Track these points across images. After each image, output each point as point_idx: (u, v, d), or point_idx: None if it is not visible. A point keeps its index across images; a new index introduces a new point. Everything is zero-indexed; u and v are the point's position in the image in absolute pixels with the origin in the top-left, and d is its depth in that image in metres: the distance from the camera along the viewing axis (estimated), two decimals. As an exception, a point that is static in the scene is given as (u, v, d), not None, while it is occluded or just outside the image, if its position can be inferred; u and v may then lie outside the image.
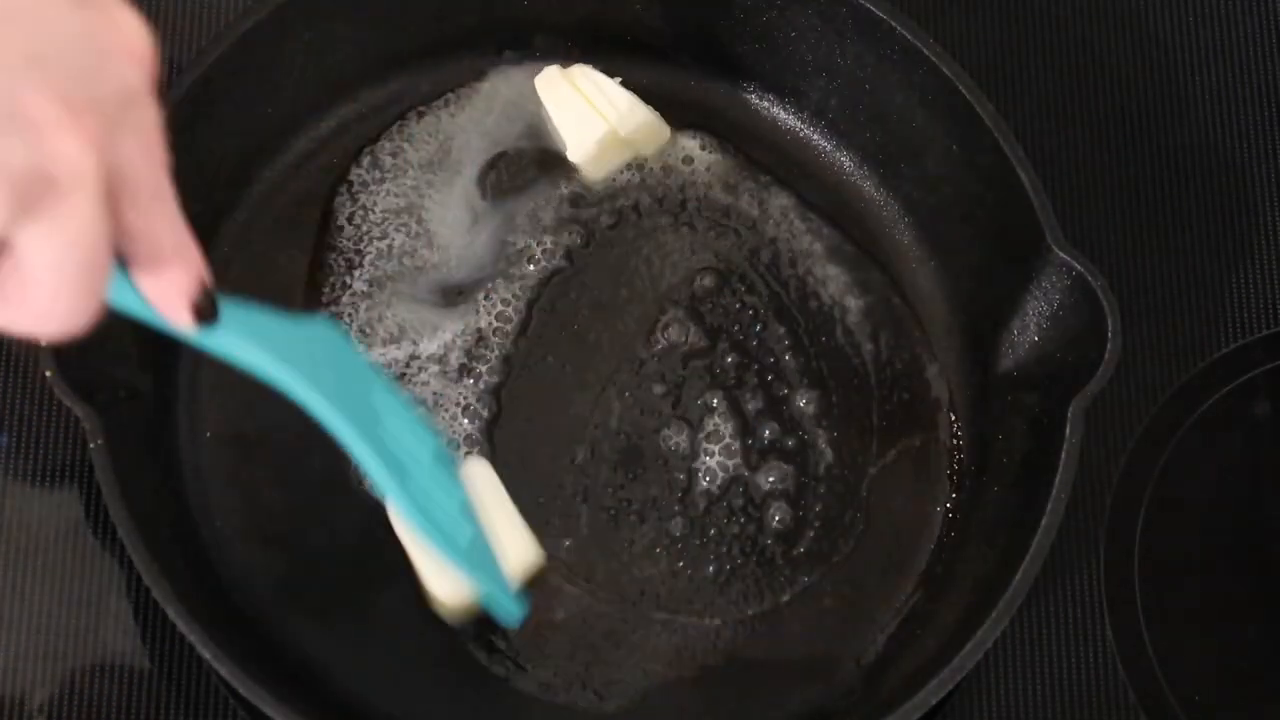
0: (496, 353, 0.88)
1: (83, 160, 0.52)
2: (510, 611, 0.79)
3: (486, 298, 0.89)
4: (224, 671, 0.74)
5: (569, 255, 0.91)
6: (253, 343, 0.65)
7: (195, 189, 0.86)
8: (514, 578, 0.80)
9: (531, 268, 0.90)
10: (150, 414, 0.83)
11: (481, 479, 0.81)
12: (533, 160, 0.92)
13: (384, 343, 0.88)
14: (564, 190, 0.92)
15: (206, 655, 0.74)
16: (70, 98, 0.51)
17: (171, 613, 0.74)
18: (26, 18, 0.51)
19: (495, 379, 0.87)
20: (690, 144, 0.94)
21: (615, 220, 0.92)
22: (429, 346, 0.88)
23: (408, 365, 0.87)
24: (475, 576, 0.77)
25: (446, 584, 0.80)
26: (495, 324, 0.89)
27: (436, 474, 0.76)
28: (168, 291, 0.60)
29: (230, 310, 0.63)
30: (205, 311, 0.61)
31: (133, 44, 0.55)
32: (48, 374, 0.75)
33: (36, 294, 0.54)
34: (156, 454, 0.83)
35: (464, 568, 0.76)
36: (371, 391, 0.73)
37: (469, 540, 0.77)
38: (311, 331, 0.70)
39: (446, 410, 0.86)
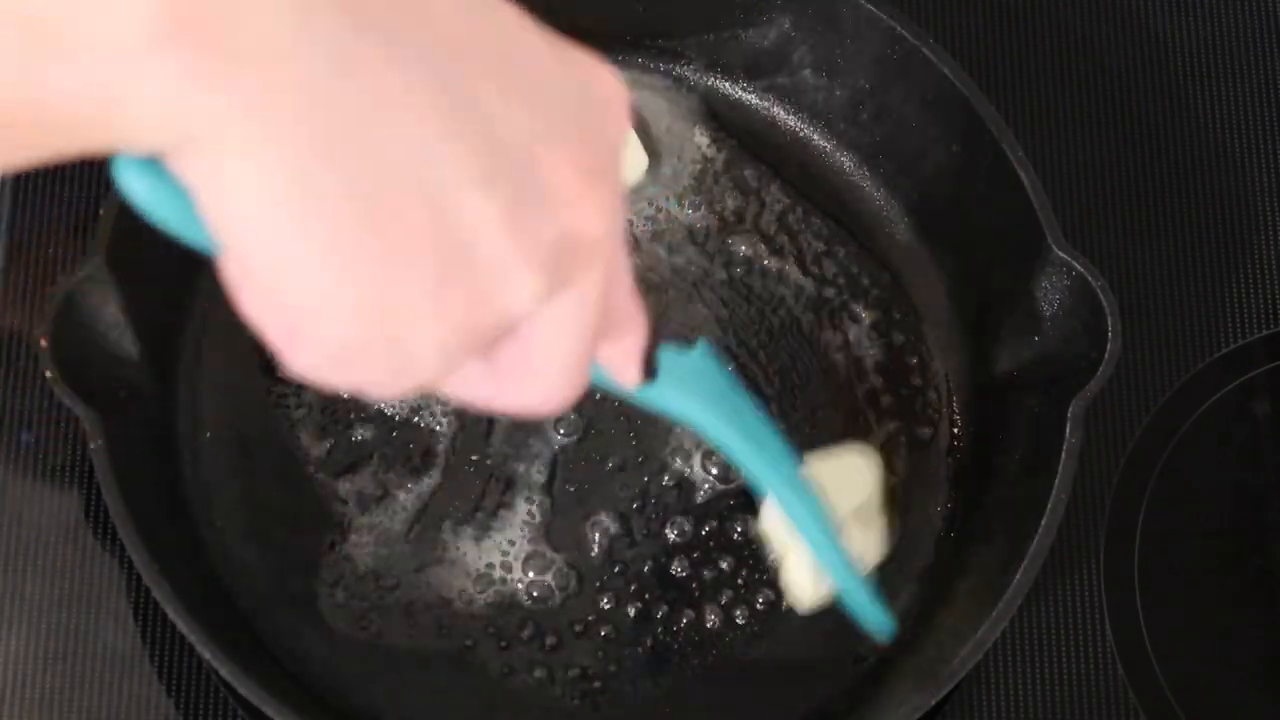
0: None
1: (601, 230, 0.48)
2: (880, 621, 0.75)
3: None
4: (224, 671, 0.74)
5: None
6: (681, 392, 0.65)
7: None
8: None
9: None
10: (150, 414, 0.83)
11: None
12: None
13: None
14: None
15: (206, 655, 0.74)
16: (582, 162, 0.48)
17: (171, 613, 0.74)
18: (531, 77, 0.47)
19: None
20: (685, 143, 0.94)
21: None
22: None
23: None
24: (847, 579, 0.75)
25: (809, 581, 0.79)
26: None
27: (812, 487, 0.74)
28: (624, 357, 0.58)
29: (661, 361, 0.63)
30: (648, 370, 0.60)
31: (616, 97, 0.51)
32: (48, 374, 0.75)
33: (544, 370, 0.50)
34: (156, 454, 0.83)
35: (841, 571, 0.74)
36: (746, 407, 0.71)
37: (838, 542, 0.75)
38: (699, 362, 0.68)
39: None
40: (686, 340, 0.70)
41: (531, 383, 0.51)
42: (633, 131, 0.85)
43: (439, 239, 0.44)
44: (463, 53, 0.45)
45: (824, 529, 0.72)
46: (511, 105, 0.46)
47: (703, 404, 0.66)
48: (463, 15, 0.45)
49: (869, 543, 0.82)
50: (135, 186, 0.45)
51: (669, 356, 0.64)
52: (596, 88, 0.50)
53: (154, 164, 0.44)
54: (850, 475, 0.83)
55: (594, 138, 0.49)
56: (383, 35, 0.43)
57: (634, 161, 0.91)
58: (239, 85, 0.41)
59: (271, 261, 0.44)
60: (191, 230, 0.46)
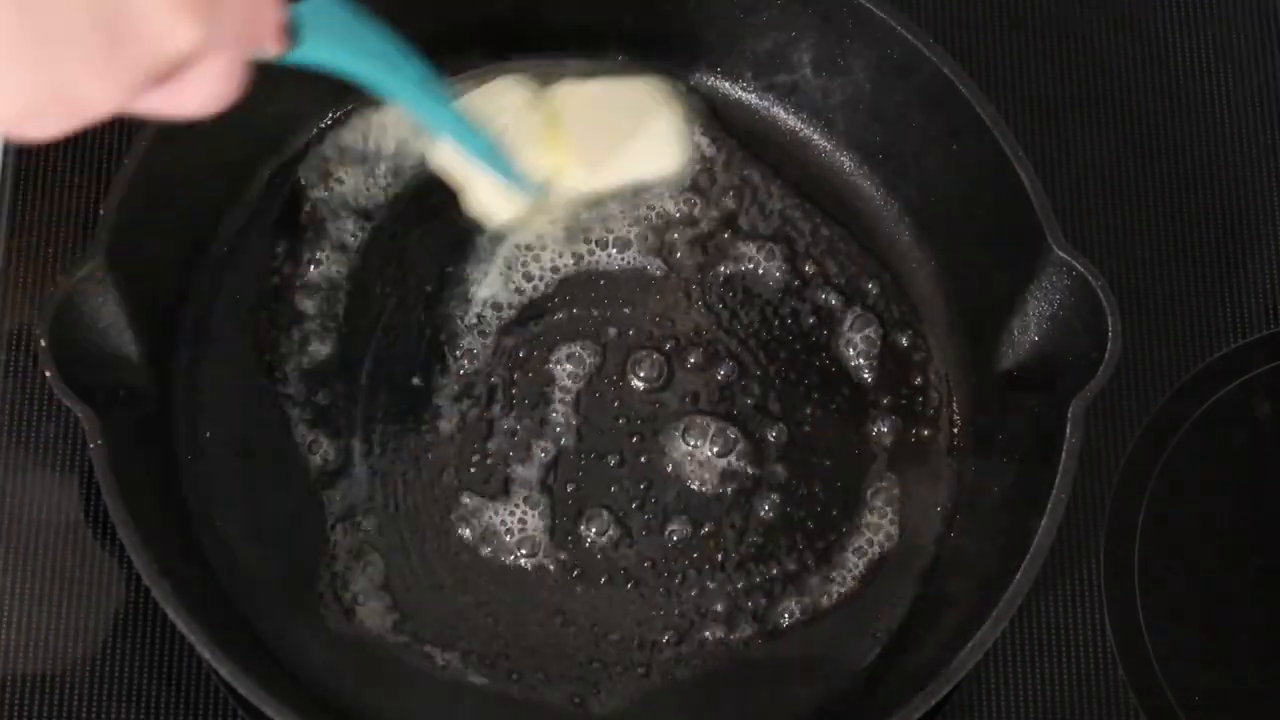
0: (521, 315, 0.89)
1: (197, 38, 0.57)
2: (529, 185, 0.81)
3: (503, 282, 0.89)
4: (224, 671, 0.74)
5: (574, 254, 0.91)
6: (325, 45, 0.70)
7: (195, 188, 0.87)
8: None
9: (538, 273, 0.90)
10: (150, 414, 0.83)
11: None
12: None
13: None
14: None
15: (206, 655, 0.74)
16: None
17: (171, 613, 0.74)
18: None
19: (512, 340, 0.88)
20: (690, 143, 0.94)
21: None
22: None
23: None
24: (504, 168, 0.80)
25: (494, 196, 0.81)
26: (515, 296, 0.89)
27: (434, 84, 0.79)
28: (264, 30, 0.65)
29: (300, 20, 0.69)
30: (289, 35, 0.67)
31: None
32: (48, 374, 0.75)
33: (204, 88, 0.60)
34: (156, 454, 0.83)
35: (498, 163, 0.79)
36: (382, 37, 0.76)
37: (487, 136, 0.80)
38: (329, 9, 0.73)
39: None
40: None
41: (197, 96, 0.60)
42: (677, 125, 0.86)
43: (96, 8, 0.54)
44: None
45: (465, 125, 0.77)
46: None
47: (345, 47, 0.72)
48: None
49: (559, 163, 0.83)
50: None
51: (304, 11, 0.69)
52: None
53: None
54: (498, 98, 0.83)
55: None
56: None
57: (672, 155, 0.88)
58: None
59: None
60: None
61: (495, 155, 0.79)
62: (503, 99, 0.84)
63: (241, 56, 0.61)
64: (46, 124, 0.57)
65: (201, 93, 0.60)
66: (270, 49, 0.66)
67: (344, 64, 0.72)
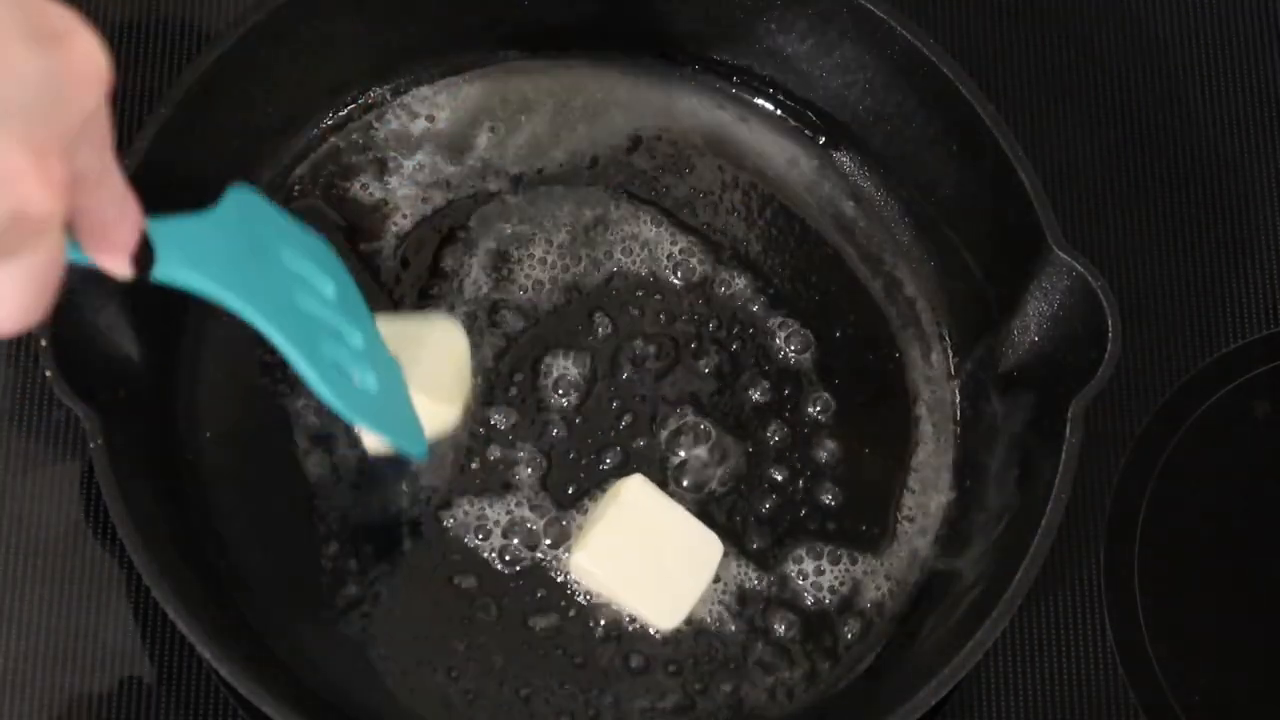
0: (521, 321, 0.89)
1: (52, 204, 0.55)
2: (412, 449, 0.81)
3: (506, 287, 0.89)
4: (224, 671, 0.74)
5: (575, 257, 0.91)
6: (187, 269, 0.69)
7: (196, 188, 0.87)
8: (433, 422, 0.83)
9: (540, 273, 0.90)
10: (150, 414, 0.83)
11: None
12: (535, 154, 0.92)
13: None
14: (574, 195, 0.92)
15: (206, 655, 0.74)
16: (36, 142, 0.54)
17: (171, 613, 0.74)
18: None
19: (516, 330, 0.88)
20: (690, 143, 0.94)
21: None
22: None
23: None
24: (384, 428, 0.79)
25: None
26: (520, 296, 0.89)
27: (340, 314, 0.78)
28: (114, 253, 0.63)
29: (160, 238, 0.67)
30: (143, 260, 0.65)
31: (90, 71, 0.56)
32: (48, 374, 0.75)
33: (4, 308, 0.58)
34: (156, 454, 0.83)
35: (363, 419, 0.78)
36: (284, 249, 0.75)
37: (375, 385, 0.78)
38: (227, 215, 0.72)
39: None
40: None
41: None
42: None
43: None
44: None
45: (346, 393, 0.75)
46: None
47: (209, 278, 0.69)
48: None
49: (440, 414, 0.84)
50: None
51: (171, 231, 0.67)
52: (68, 61, 0.55)
53: None
54: (423, 344, 0.83)
55: (58, 112, 0.54)
56: None
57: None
58: None
59: None
60: None
61: (370, 414, 0.78)
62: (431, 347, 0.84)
63: (40, 282, 0.57)
64: None
65: (4, 308, 0.58)
66: (117, 272, 0.64)
67: (206, 291, 0.70)
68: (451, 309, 0.89)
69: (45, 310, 0.59)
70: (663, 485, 0.86)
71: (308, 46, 0.88)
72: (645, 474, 0.86)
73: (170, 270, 0.67)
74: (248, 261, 0.72)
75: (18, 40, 0.53)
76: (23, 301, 0.58)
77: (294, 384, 0.86)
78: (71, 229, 0.62)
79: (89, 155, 0.58)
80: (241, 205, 0.73)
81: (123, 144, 0.90)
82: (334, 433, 0.86)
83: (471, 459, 0.86)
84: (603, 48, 0.93)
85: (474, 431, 0.87)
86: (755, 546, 0.86)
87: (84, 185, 0.58)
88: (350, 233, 0.90)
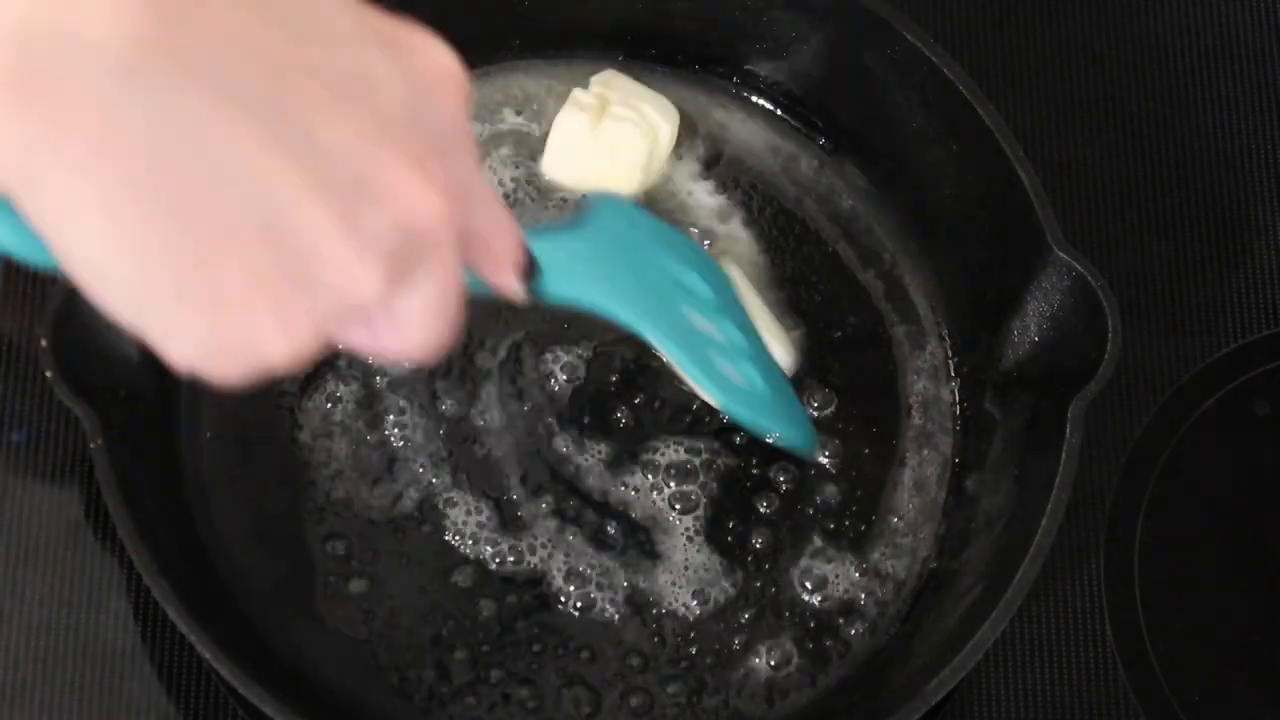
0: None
1: (440, 214, 0.52)
2: (804, 442, 0.79)
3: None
4: (224, 671, 0.74)
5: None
6: (569, 283, 0.67)
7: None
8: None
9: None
10: (150, 414, 0.83)
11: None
12: (536, 154, 0.92)
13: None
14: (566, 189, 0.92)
15: (206, 655, 0.74)
16: (413, 151, 0.51)
17: (171, 613, 0.74)
18: (355, 80, 0.51)
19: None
20: (686, 143, 0.94)
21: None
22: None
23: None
24: (765, 424, 0.77)
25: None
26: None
27: (720, 315, 0.76)
28: (501, 273, 0.61)
29: (543, 254, 0.65)
30: (529, 274, 0.63)
31: (449, 77, 0.55)
32: (48, 374, 0.75)
33: (410, 334, 0.55)
34: (156, 454, 0.83)
35: (756, 423, 0.76)
36: (660, 254, 0.73)
37: (761, 381, 0.76)
38: (602, 224, 0.70)
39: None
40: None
41: (405, 339, 0.55)
42: (788, 347, 0.88)
43: (278, 254, 0.49)
44: (285, 70, 0.49)
45: (737, 397, 0.74)
46: (335, 111, 0.49)
47: (595, 292, 0.68)
48: (284, 31, 0.49)
49: (781, 353, 0.84)
50: None
51: (551, 247, 0.65)
52: (424, 67, 0.54)
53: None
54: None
55: (425, 120, 0.52)
56: (209, 82, 0.47)
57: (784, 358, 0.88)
58: (63, 140, 0.47)
59: (124, 292, 0.50)
60: (45, 258, 0.51)
61: (762, 413, 0.76)
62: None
63: (446, 302, 0.55)
64: (224, 369, 0.53)
65: (404, 337, 0.55)
66: (509, 290, 0.62)
67: (594, 305, 0.68)
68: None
69: (453, 337, 0.56)
70: (662, 485, 0.86)
71: (308, 46, 0.88)
72: (644, 473, 0.86)
73: (560, 287, 0.66)
74: (628, 272, 0.70)
75: (376, 49, 0.52)
76: (433, 327, 0.55)
77: (294, 385, 0.87)
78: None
79: (459, 168, 0.55)
80: (614, 212, 0.71)
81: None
82: (333, 431, 0.86)
83: (468, 457, 0.86)
84: (603, 48, 0.93)
85: (471, 429, 0.87)
86: (754, 547, 0.86)
87: (460, 200, 0.55)
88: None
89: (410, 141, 0.52)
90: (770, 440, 0.79)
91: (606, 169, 0.90)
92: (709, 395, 0.74)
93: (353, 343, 0.55)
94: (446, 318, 0.55)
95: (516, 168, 0.92)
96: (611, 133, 0.89)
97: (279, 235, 0.49)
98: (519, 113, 0.93)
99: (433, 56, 0.54)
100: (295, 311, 0.51)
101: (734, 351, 0.76)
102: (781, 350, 0.85)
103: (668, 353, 0.72)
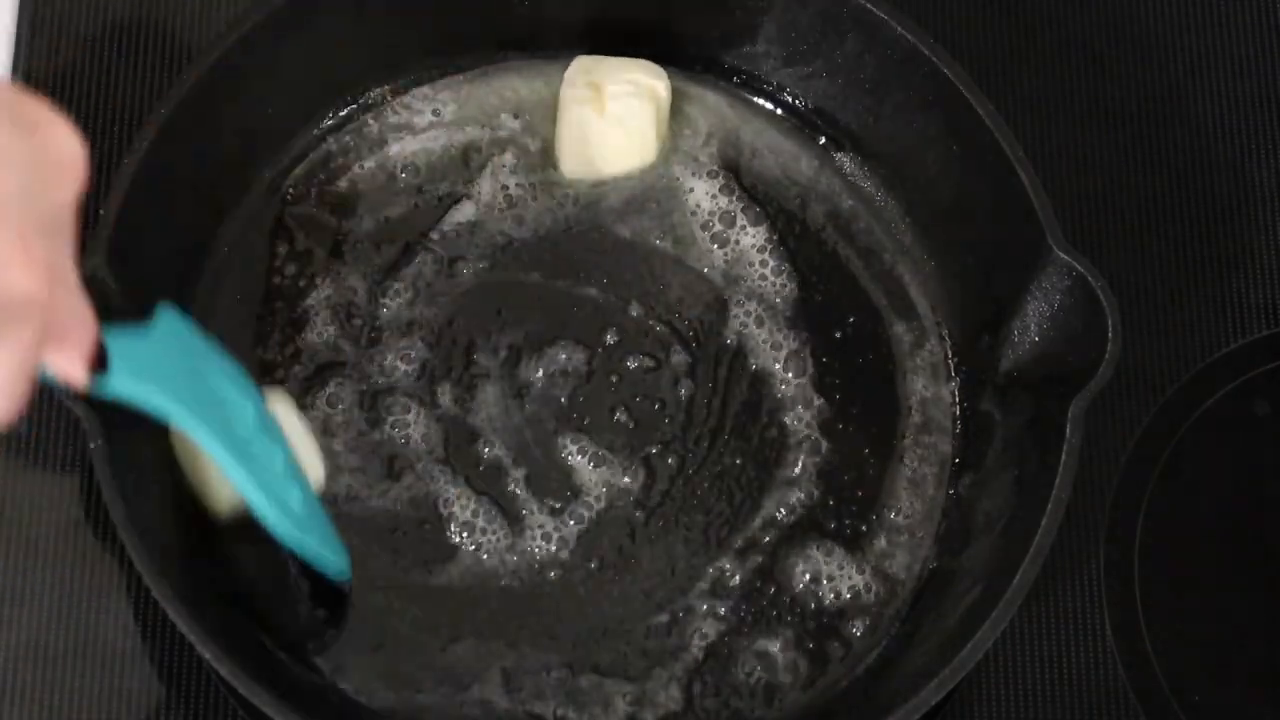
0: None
1: (36, 291, 0.55)
2: (339, 566, 0.80)
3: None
4: (224, 671, 0.74)
5: (571, 256, 0.91)
6: (135, 380, 0.70)
7: (195, 189, 0.87)
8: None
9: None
10: (150, 414, 0.83)
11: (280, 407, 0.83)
12: (537, 156, 0.92)
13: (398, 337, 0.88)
14: (568, 190, 0.92)
15: (206, 655, 0.74)
16: (22, 230, 0.54)
17: (171, 613, 0.74)
18: None
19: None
20: (687, 144, 0.94)
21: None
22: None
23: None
24: (306, 542, 0.78)
25: (224, 489, 0.80)
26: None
27: (262, 437, 0.78)
28: (70, 361, 0.63)
29: (113, 347, 0.68)
30: (96, 368, 0.66)
31: (69, 162, 0.57)
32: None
33: None
34: (156, 454, 0.83)
35: (298, 540, 0.78)
36: (211, 370, 0.76)
37: (299, 503, 0.79)
38: (166, 331, 0.74)
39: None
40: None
41: None
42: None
43: None
44: None
45: (279, 506, 0.76)
46: None
47: (158, 392, 0.71)
48: None
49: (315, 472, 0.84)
50: None
51: (122, 345, 0.68)
52: (51, 149, 0.56)
53: None
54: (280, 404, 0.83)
55: (39, 201, 0.55)
56: None
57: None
58: None
59: None
60: None
61: (303, 534, 0.78)
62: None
63: (19, 374, 0.57)
64: None
65: None
66: (74, 378, 0.64)
67: (154, 405, 0.71)
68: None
69: (20, 405, 0.58)
70: (660, 484, 0.86)
71: (308, 46, 0.88)
72: (641, 473, 0.86)
73: (124, 382, 0.69)
74: (189, 378, 0.73)
75: (7, 125, 0.54)
76: (9, 390, 0.57)
77: (295, 385, 0.87)
78: None
79: (59, 253, 0.58)
80: (174, 323, 0.75)
81: (122, 146, 0.90)
82: (333, 431, 0.86)
83: (468, 457, 0.86)
84: (603, 48, 0.93)
85: (472, 429, 0.87)
86: (754, 547, 0.86)
87: (53, 284, 0.58)
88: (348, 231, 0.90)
89: (21, 220, 0.54)
90: (305, 558, 0.80)
91: (624, 145, 0.91)
92: (258, 504, 0.76)
93: None
94: (13, 392, 0.57)
95: (520, 173, 0.92)
96: (618, 110, 0.89)
97: None
98: (516, 116, 0.93)
99: (60, 140, 0.57)
100: None
101: (274, 474, 0.78)
102: (315, 468, 0.84)
103: (220, 459, 0.74)
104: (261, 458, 0.77)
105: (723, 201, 0.93)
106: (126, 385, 0.69)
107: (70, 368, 0.63)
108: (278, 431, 0.80)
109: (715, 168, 0.93)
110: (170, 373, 0.72)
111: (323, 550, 0.79)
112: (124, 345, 0.69)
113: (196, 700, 0.84)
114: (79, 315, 0.63)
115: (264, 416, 0.79)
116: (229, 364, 0.78)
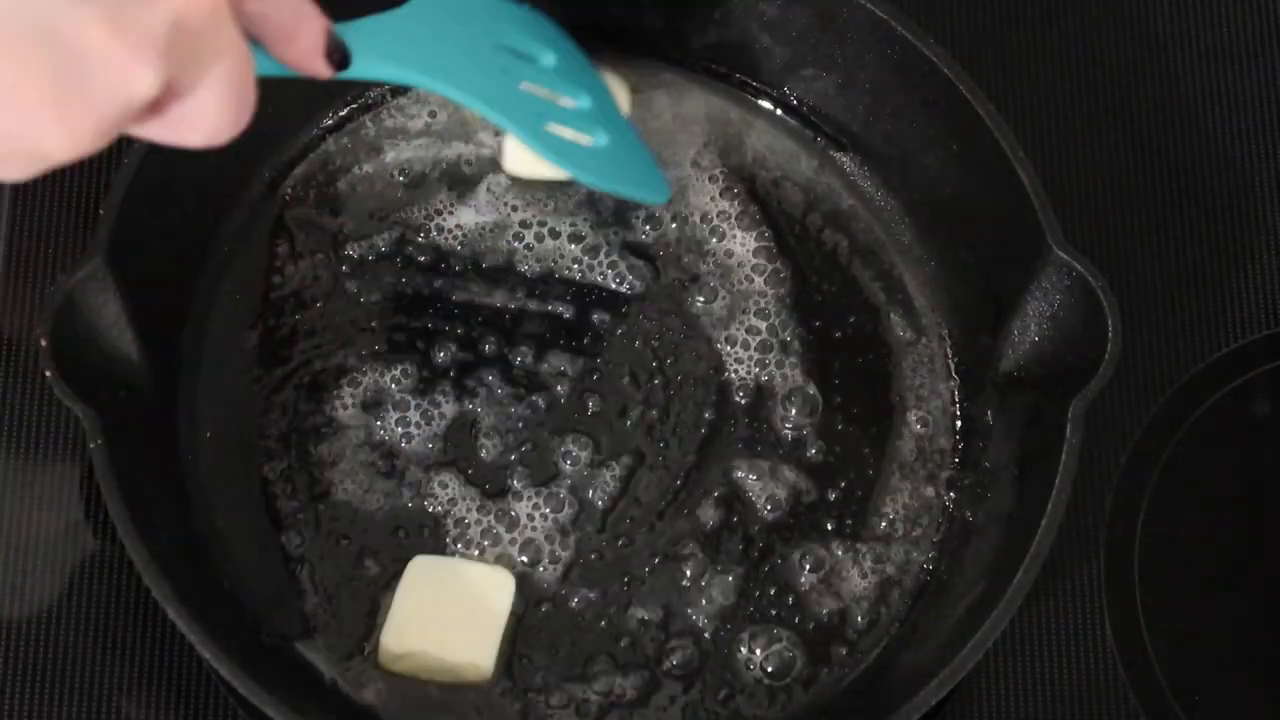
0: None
1: (210, 3, 0.56)
2: (657, 196, 0.82)
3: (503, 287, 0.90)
4: (224, 671, 0.74)
5: (576, 258, 0.91)
6: (385, 62, 0.71)
7: (195, 188, 0.87)
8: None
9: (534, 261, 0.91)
10: (150, 414, 0.83)
11: None
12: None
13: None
14: (567, 190, 0.92)
15: (206, 655, 0.74)
16: (121, 23, 0.54)
17: (171, 613, 0.74)
18: None
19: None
20: (689, 144, 0.94)
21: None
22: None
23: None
24: (619, 184, 0.80)
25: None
26: (517, 304, 0.89)
27: (566, 84, 0.78)
28: (304, 55, 0.65)
29: (353, 36, 0.68)
30: (337, 57, 0.67)
31: None
32: (48, 374, 0.75)
33: (204, 122, 0.59)
34: (156, 454, 0.83)
35: (608, 181, 0.80)
36: (495, 28, 0.76)
37: (605, 145, 0.79)
38: (424, 5, 0.73)
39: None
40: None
41: (200, 128, 0.59)
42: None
43: (51, 57, 0.53)
44: None
45: (571, 157, 0.78)
46: None
47: (414, 68, 0.71)
48: None
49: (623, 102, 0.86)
50: None
51: (365, 32, 0.69)
52: None
53: None
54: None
55: None
56: None
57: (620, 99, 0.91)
58: None
59: None
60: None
61: (602, 172, 0.79)
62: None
63: (235, 86, 0.59)
64: (8, 169, 0.56)
65: (199, 124, 0.59)
66: (313, 68, 0.65)
67: (412, 80, 0.71)
68: (457, 304, 0.89)
69: (250, 112, 0.60)
70: (659, 484, 0.86)
71: (308, 46, 0.88)
72: (640, 473, 0.86)
73: (366, 65, 0.69)
74: (454, 46, 0.73)
75: None
76: (226, 112, 0.59)
77: (293, 382, 0.87)
78: (258, 41, 0.63)
79: None
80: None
81: (121, 147, 0.90)
82: (334, 431, 0.86)
83: (468, 456, 0.86)
84: (602, 49, 0.93)
85: (471, 429, 0.87)
86: (753, 548, 0.86)
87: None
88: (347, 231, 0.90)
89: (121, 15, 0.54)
90: (624, 196, 0.82)
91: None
92: (551, 161, 0.77)
93: (149, 136, 0.58)
94: (238, 101, 0.59)
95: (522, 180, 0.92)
96: None
97: (51, 40, 0.52)
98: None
99: None
100: (72, 109, 0.54)
101: (579, 116, 0.78)
102: (624, 99, 0.86)
103: (500, 123, 0.75)
104: (566, 103, 0.77)
105: (723, 202, 0.93)
106: (373, 69, 0.69)
107: (305, 62, 0.65)
108: (584, 71, 0.80)
109: (715, 168, 0.93)
110: (428, 45, 0.72)
111: (636, 187, 0.80)
112: (366, 31, 0.69)
113: (196, 700, 0.84)
114: (300, 11, 0.64)
115: (572, 61, 0.79)
116: (522, 13, 0.77)
